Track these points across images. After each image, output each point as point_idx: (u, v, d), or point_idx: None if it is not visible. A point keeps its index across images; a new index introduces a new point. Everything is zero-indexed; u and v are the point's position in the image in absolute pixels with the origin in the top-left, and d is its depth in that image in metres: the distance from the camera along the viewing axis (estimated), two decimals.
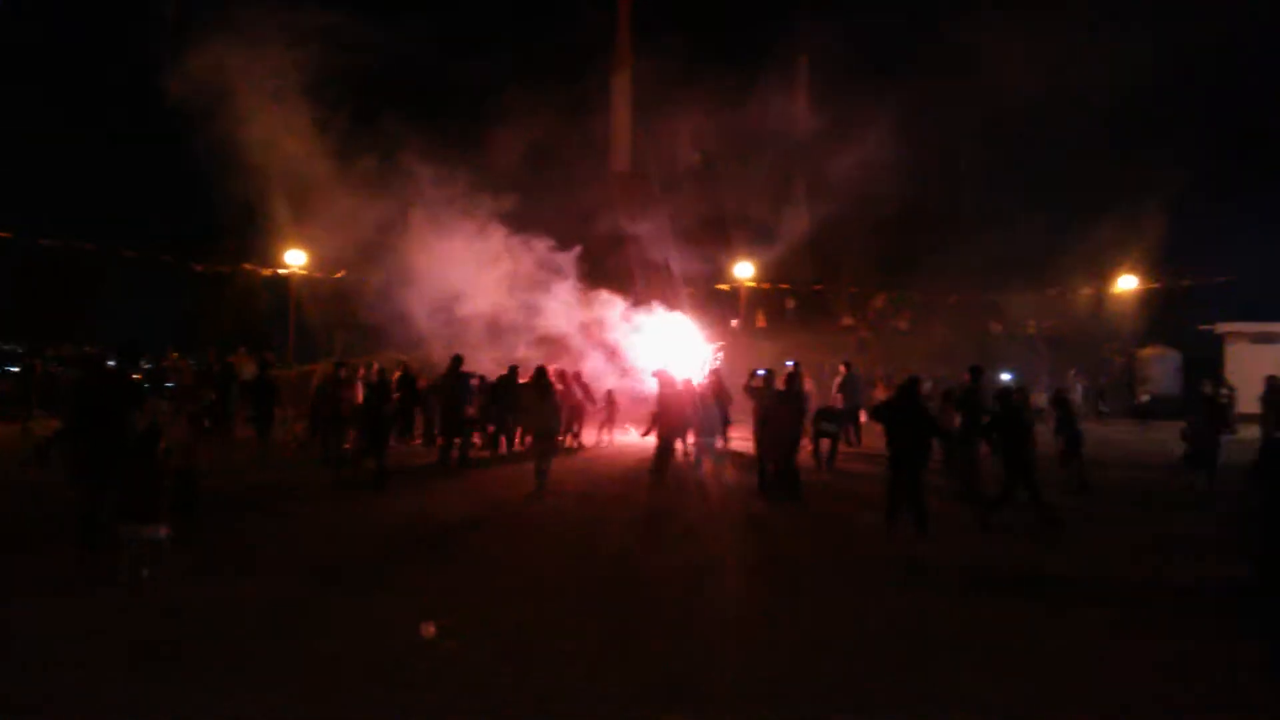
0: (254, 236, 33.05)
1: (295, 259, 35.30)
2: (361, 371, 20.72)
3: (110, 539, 8.40)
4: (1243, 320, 35.12)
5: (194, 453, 10.91)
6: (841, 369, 21.84)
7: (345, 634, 7.12)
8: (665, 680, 6.30)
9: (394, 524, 11.76)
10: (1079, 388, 33.88)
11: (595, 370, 23.39)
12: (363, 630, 7.22)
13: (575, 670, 6.43)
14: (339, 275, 34.84)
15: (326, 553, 10.01)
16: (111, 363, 10.73)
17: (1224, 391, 28.81)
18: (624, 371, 23.34)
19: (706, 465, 16.81)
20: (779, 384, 16.02)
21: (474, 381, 19.22)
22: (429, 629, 7.05)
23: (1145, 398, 33.66)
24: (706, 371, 21.09)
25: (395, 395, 20.94)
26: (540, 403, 15.44)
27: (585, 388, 22.07)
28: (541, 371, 16.60)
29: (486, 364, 21.56)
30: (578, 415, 21.73)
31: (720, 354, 23.89)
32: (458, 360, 17.82)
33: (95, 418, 9.47)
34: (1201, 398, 18.81)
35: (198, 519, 10.48)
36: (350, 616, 7.60)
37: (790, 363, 20.28)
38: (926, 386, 24.44)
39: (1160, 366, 35.52)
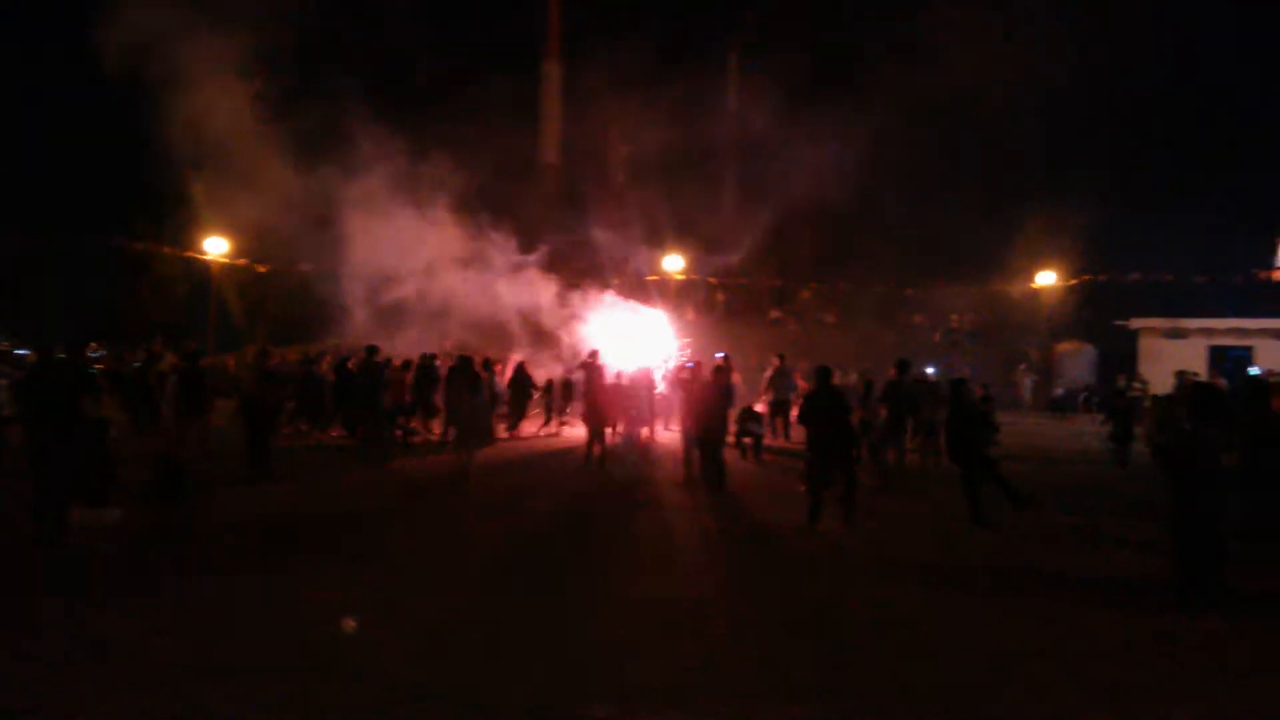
0: (176, 222, 32.28)
1: (217, 246, 34.55)
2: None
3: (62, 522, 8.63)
4: (1156, 316, 36.28)
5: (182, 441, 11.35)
6: (775, 361, 21.97)
7: (264, 627, 7.00)
8: (586, 672, 6.29)
9: (313, 514, 11.57)
10: (1028, 382, 34.69)
11: (538, 359, 23.41)
12: (281, 624, 7.09)
13: (495, 662, 6.38)
14: (262, 270, 34.22)
15: (245, 544, 9.81)
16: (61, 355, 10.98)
17: (1136, 385, 29.72)
18: (563, 360, 23.34)
19: (634, 456, 16.88)
20: (706, 376, 16.16)
21: (401, 370, 19.05)
22: (349, 623, 6.93)
23: (1061, 391, 34.57)
24: (673, 365, 21.19)
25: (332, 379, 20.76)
26: (470, 393, 15.35)
27: (528, 377, 22.09)
28: (468, 361, 16.49)
29: (419, 351, 21.38)
30: (518, 405, 21.73)
31: (688, 349, 23.95)
32: (372, 350, 17.64)
33: (46, 407, 9.68)
34: (1114, 391, 19.38)
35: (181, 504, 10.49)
36: (269, 609, 7.47)
37: (720, 355, 20.47)
38: (852, 379, 24.84)
39: (1076, 360, 36.50)
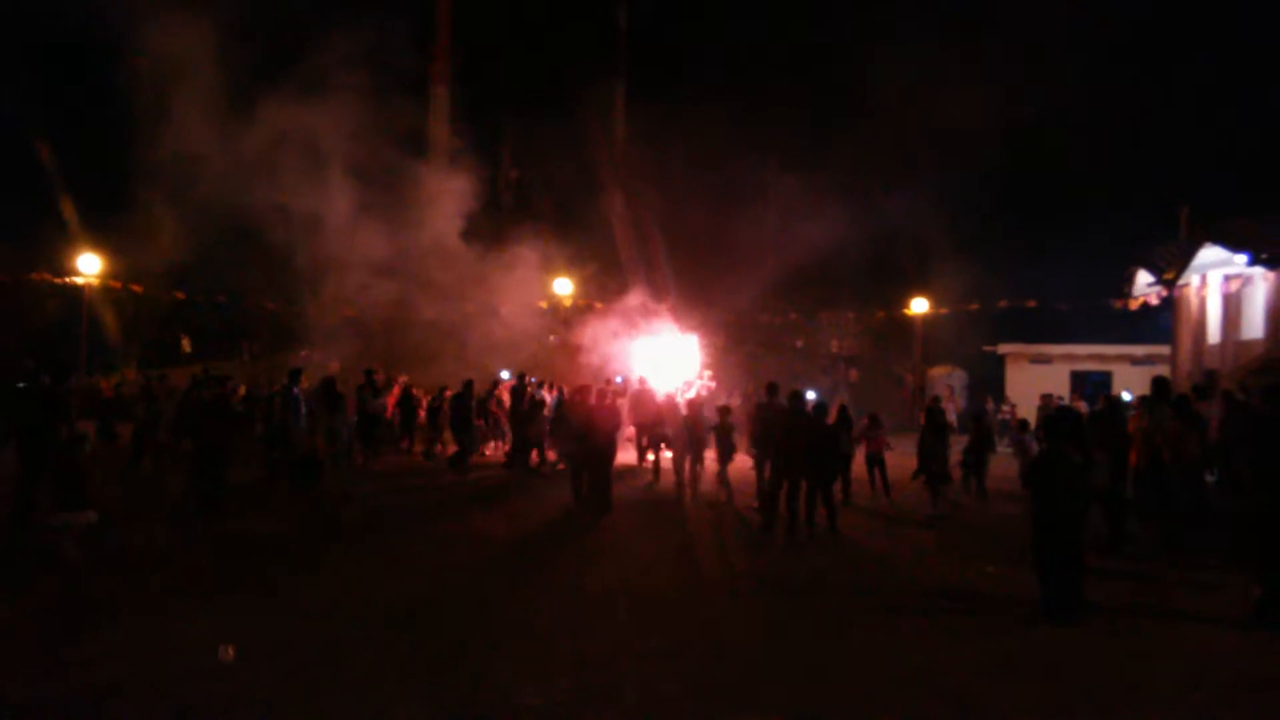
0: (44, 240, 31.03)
1: (89, 264, 33.22)
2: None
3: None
4: (1022, 342, 38.00)
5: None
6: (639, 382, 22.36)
7: (127, 657, 6.91)
8: (463, 702, 6.26)
9: (199, 548, 11.33)
10: (951, 408, 35.61)
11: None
12: (144, 655, 6.98)
13: (367, 694, 6.34)
14: (138, 289, 33.08)
15: (109, 577, 9.59)
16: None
17: (1005, 408, 31.05)
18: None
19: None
20: (594, 398, 16.37)
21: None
22: (226, 653, 6.81)
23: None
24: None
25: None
26: (330, 416, 15.28)
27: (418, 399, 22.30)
28: (330, 382, 16.46)
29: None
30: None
31: (710, 379, 24.09)
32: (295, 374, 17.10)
33: (33, 425, 11.25)
34: (969, 415, 19.76)
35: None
36: (133, 640, 7.37)
37: (619, 378, 20.86)
38: (736, 402, 25.36)
39: (948, 384, 37.91)
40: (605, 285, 37.26)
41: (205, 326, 35.03)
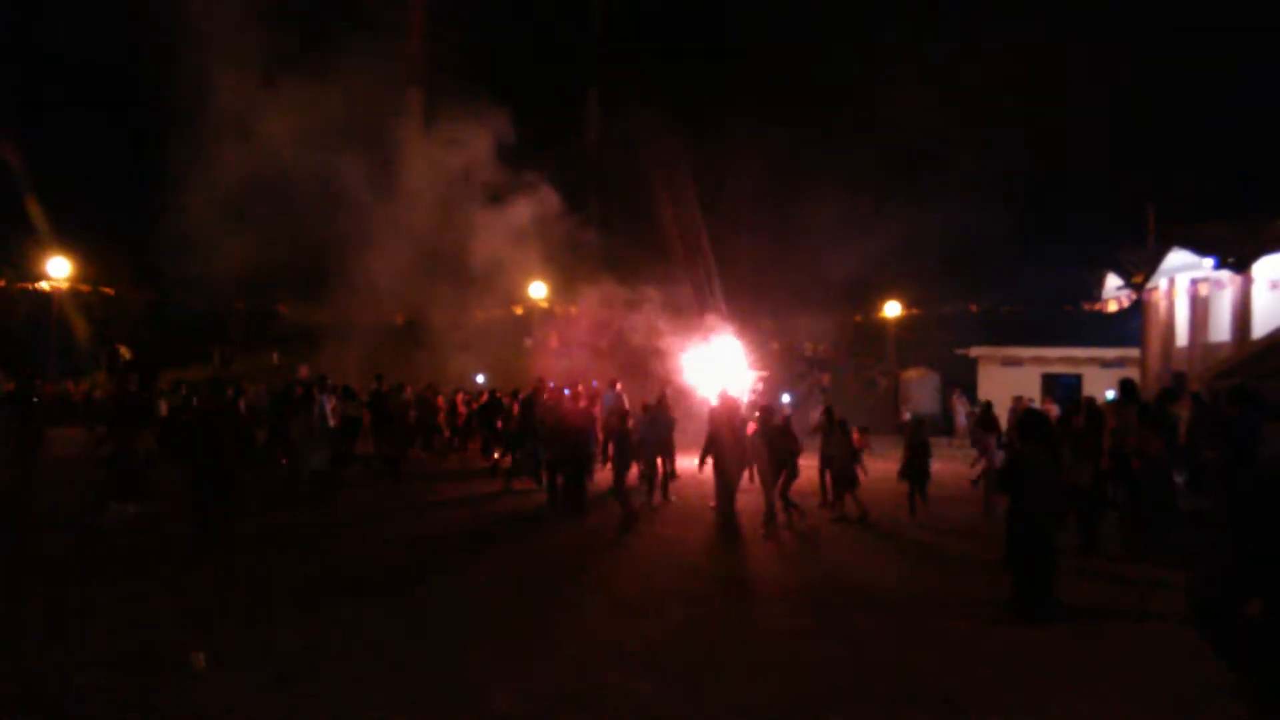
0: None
1: (59, 268, 32.90)
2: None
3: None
4: (994, 345, 38.35)
5: None
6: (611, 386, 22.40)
7: (100, 661, 6.88)
8: (437, 704, 6.28)
9: (166, 548, 11.23)
10: (961, 409, 35.79)
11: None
12: (120, 657, 6.96)
13: (342, 693, 6.38)
14: (109, 291, 32.79)
15: (95, 579, 9.54)
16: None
17: (975, 411, 31.24)
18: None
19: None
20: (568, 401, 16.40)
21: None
22: (199, 659, 6.81)
23: (908, 415, 36.01)
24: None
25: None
26: (295, 415, 15.29)
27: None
28: (289, 385, 16.45)
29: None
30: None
31: (761, 384, 24.08)
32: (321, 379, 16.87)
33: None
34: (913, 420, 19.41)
35: None
36: (107, 641, 7.33)
37: (593, 382, 20.92)
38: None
39: (921, 387, 38.19)
40: (580, 289, 37.31)
41: (185, 329, 34.78)
